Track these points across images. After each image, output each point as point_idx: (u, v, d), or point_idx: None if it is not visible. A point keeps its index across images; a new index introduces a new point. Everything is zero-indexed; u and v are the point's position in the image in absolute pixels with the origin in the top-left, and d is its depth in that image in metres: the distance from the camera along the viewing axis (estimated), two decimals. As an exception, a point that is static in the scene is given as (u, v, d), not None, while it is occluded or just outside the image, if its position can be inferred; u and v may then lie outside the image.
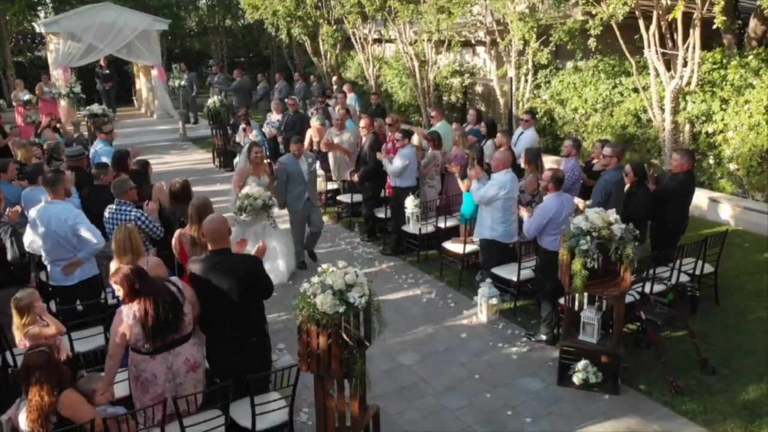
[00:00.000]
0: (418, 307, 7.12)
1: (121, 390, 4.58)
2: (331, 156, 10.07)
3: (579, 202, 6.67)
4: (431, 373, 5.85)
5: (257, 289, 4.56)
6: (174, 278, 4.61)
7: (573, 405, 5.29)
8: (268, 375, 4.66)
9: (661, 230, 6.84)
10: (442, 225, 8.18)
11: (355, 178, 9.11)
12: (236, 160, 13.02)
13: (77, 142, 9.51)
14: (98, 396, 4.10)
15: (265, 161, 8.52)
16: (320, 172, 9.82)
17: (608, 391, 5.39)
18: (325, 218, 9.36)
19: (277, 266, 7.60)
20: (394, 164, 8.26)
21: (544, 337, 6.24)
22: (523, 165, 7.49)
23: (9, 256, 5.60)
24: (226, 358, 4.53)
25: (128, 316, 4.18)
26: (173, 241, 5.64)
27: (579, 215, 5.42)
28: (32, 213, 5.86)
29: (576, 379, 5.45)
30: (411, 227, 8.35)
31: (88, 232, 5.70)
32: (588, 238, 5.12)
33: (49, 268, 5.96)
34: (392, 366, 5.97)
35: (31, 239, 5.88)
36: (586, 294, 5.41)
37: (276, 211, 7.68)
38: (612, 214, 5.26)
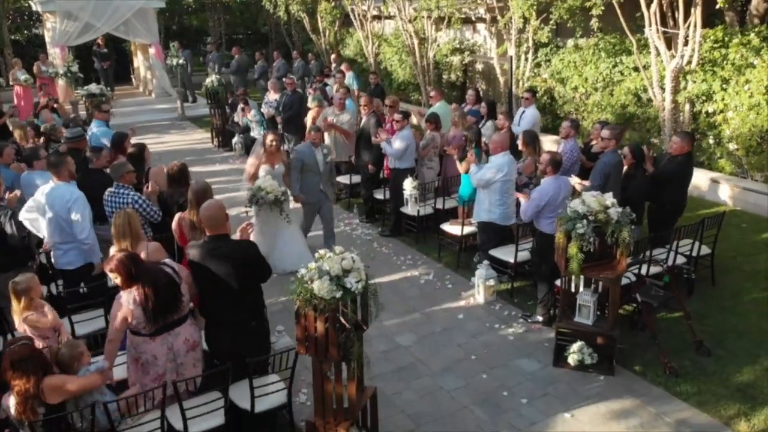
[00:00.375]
0: (415, 289, 7.17)
1: (120, 373, 4.63)
2: (327, 137, 10.00)
3: (577, 182, 6.66)
4: (428, 354, 5.91)
5: (255, 273, 4.59)
6: (168, 260, 4.65)
7: (568, 386, 5.35)
8: (266, 358, 4.71)
9: (659, 212, 6.85)
10: (440, 206, 8.20)
11: (370, 167, 8.98)
12: (234, 140, 13.03)
13: (74, 124, 9.46)
14: (85, 358, 4.15)
15: (282, 148, 8.08)
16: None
17: (603, 372, 5.45)
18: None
19: (288, 255, 7.39)
20: (394, 146, 8.23)
21: (540, 319, 6.29)
22: (521, 147, 7.47)
23: (8, 235, 5.62)
24: (225, 342, 4.58)
25: (128, 301, 4.21)
26: (173, 225, 5.66)
27: (576, 198, 5.43)
28: (39, 196, 5.88)
29: (571, 360, 5.51)
30: (409, 209, 8.36)
31: (78, 219, 5.70)
32: (584, 221, 5.14)
33: (52, 252, 5.99)
34: (390, 347, 6.03)
35: (27, 213, 5.89)
36: (582, 276, 5.44)
37: (291, 205, 7.54)
38: (609, 198, 5.28)
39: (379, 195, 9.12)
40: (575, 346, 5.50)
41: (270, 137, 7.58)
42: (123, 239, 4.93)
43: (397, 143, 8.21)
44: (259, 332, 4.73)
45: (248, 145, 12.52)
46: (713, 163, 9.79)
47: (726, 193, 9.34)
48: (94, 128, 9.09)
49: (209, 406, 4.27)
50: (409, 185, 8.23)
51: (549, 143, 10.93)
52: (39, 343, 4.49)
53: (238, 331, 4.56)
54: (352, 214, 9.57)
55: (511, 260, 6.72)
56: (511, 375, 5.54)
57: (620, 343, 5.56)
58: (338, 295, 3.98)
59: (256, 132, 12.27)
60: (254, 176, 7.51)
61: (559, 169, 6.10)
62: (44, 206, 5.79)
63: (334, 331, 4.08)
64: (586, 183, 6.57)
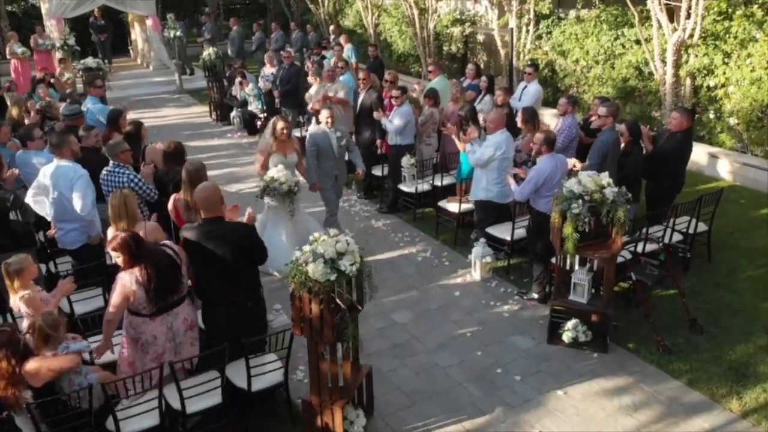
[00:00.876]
0: (413, 266, 7.20)
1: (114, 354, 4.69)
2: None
3: (575, 164, 6.64)
4: (424, 331, 5.96)
5: (251, 255, 4.63)
6: (168, 242, 4.67)
7: (562, 363, 5.41)
8: (263, 338, 4.76)
9: (657, 190, 6.81)
10: (438, 183, 8.18)
11: (379, 142, 8.88)
12: (233, 114, 12.95)
13: (71, 99, 9.39)
14: (63, 328, 4.15)
15: (294, 136, 7.50)
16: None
17: (597, 350, 5.51)
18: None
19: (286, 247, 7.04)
20: (395, 123, 8.18)
21: (535, 296, 6.33)
22: (519, 124, 7.41)
23: (11, 217, 5.65)
24: (222, 322, 4.63)
25: (131, 281, 4.24)
26: (169, 205, 5.67)
27: (572, 178, 5.41)
28: (42, 177, 5.89)
29: (566, 337, 5.56)
30: (408, 185, 8.34)
31: (78, 197, 5.71)
32: (580, 201, 5.13)
33: (56, 230, 6.02)
34: (386, 324, 6.08)
35: (33, 197, 5.91)
36: (577, 255, 5.46)
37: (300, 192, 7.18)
38: (605, 178, 5.26)
39: (377, 171, 9.09)
40: (569, 324, 5.55)
41: (281, 124, 6.96)
42: (119, 220, 4.94)
43: (397, 120, 8.15)
44: (256, 312, 4.78)
45: (246, 120, 12.47)
46: (713, 138, 9.73)
47: (725, 168, 9.30)
48: (89, 105, 9.01)
49: (206, 386, 4.34)
50: (406, 162, 8.20)
51: (549, 117, 10.85)
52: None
53: (235, 311, 4.61)
54: (350, 190, 9.56)
55: (508, 238, 6.73)
56: (505, 352, 5.60)
57: (614, 320, 5.60)
58: (332, 277, 4.02)
59: (254, 106, 12.19)
60: (264, 166, 7.00)
61: (554, 148, 6.06)
62: (48, 186, 5.80)
63: (328, 313, 4.12)
64: (585, 164, 6.54)
